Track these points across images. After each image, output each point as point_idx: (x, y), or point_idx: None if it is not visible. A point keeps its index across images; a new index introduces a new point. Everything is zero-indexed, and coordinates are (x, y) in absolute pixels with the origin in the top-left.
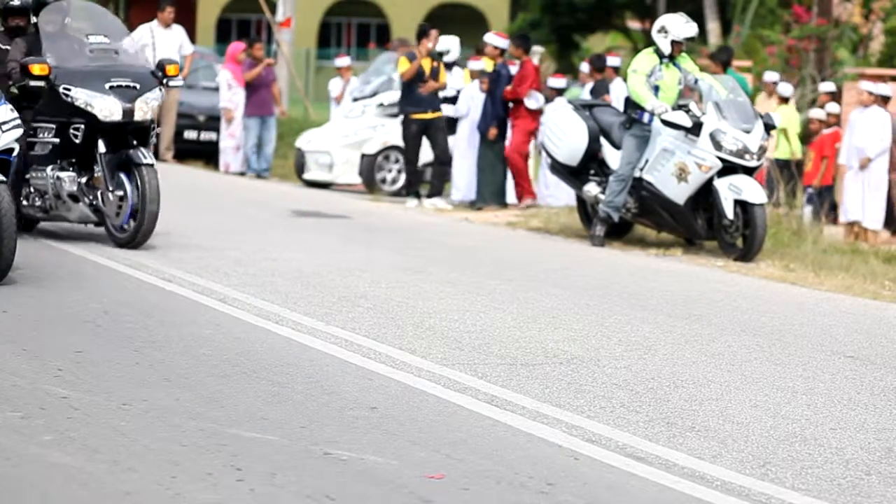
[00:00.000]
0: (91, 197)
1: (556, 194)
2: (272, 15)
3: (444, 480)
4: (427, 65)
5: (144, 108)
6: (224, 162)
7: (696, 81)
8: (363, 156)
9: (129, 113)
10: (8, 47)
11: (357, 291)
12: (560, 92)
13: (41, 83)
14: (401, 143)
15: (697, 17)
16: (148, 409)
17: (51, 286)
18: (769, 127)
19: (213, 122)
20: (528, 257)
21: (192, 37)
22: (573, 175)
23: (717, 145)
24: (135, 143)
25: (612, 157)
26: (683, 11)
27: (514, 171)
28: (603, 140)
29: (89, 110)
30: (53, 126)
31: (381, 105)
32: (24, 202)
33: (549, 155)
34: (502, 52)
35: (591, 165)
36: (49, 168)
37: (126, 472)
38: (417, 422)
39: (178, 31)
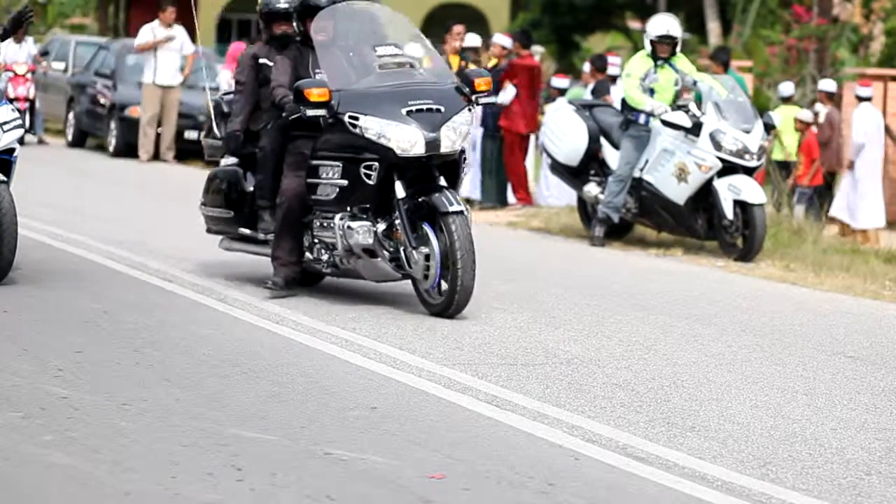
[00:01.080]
0: (392, 250)
1: (557, 194)
2: None
3: (444, 480)
4: (455, 63)
5: (452, 137)
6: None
7: (694, 83)
8: None
9: (433, 144)
10: (273, 63)
11: (357, 291)
12: (562, 92)
13: (321, 111)
14: None
15: (698, 17)
16: (148, 409)
17: (51, 286)
18: (769, 127)
19: None
20: (528, 257)
21: (192, 37)
22: (573, 175)
23: (717, 145)
24: (441, 182)
25: (613, 157)
26: (683, 11)
27: (507, 173)
28: (603, 140)
29: (383, 143)
30: (339, 164)
31: None
32: (308, 255)
33: (549, 155)
34: (509, 52)
35: (591, 166)
36: (338, 216)
37: (126, 472)
38: (418, 422)
39: (179, 31)
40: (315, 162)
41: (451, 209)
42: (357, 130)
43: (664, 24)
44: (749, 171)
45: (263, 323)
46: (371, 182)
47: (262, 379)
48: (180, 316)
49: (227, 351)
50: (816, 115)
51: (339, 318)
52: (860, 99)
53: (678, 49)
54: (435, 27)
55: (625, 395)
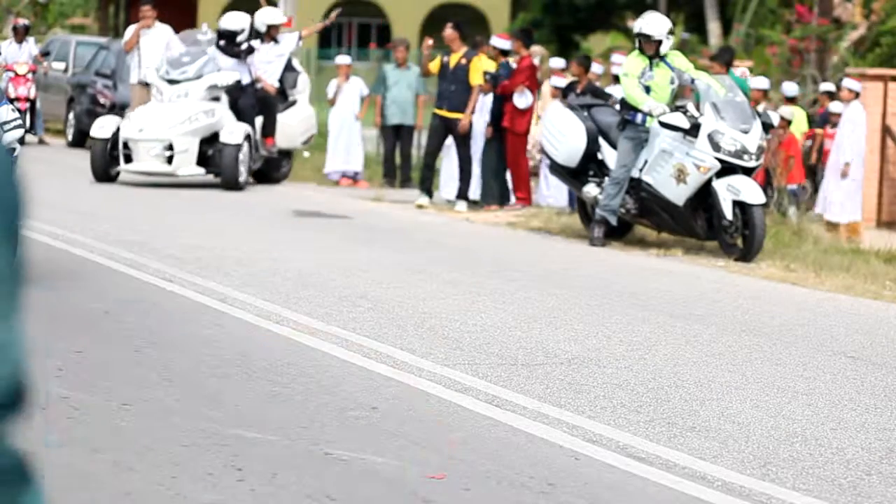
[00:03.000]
0: None
1: (557, 194)
2: None
3: (444, 480)
4: (454, 59)
5: None
6: None
7: (692, 80)
8: (224, 145)
9: None
10: None
11: (357, 291)
12: (562, 91)
13: None
14: (252, 131)
15: (698, 17)
16: (148, 409)
17: (51, 286)
18: (767, 126)
19: None
20: (528, 257)
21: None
22: (573, 176)
23: (716, 146)
24: None
25: (611, 157)
26: (683, 11)
27: (511, 174)
28: (602, 141)
29: None
30: None
31: (215, 86)
32: None
33: (548, 156)
34: (506, 52)
35: (590, 166)
36: None
37: (126, 472)
38: (418, 422)
39: (163, 29)
40: None
41: None
42: None
43: (644, 23)
44: (748, 172)
45: (263, 323)
46: None
47: (262, 379)
48: (180, 316)
49: (227, 351)
50: (832, 114)
51: (340, 318)
52: (853, 93)
53: (663, 48)
54: (435, 27)
55: (625, 395)
